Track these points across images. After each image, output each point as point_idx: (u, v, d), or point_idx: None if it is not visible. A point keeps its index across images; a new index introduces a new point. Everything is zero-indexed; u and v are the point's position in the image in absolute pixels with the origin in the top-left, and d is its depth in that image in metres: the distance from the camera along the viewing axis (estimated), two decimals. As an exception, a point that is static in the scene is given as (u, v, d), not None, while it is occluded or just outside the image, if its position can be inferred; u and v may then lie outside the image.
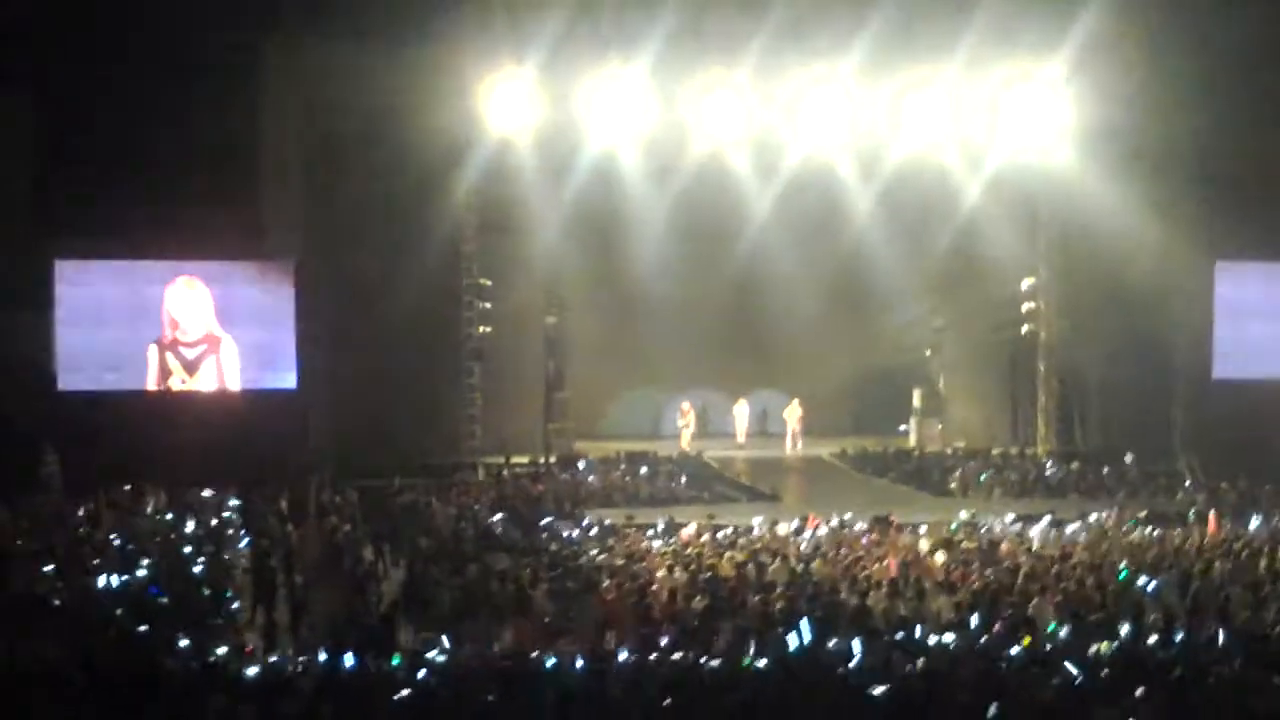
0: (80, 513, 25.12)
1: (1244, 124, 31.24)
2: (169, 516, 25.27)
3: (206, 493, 26.90)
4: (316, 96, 30.56)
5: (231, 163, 29.63)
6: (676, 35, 30.61)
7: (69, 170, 29.06)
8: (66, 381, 30.11)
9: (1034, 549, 23.38)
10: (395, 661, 15.97)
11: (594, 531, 25.67)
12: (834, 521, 25.36)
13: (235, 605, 19.98)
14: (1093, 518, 26.31)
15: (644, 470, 32.57)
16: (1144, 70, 30.97)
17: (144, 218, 28.75)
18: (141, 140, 28.84)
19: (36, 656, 15.53)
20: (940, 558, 22.20)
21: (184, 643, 16.50)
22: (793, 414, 38.09)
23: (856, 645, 15.76)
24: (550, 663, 15.58)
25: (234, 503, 26.60)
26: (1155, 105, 30.93)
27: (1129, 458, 33.14)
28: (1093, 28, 30.93)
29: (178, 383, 30.88)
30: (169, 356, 30.83)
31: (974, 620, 17.42)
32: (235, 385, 31.11)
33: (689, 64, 31.27)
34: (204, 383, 31.01)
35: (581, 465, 32.99)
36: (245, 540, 23.67)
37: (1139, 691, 13.86)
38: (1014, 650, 15.70)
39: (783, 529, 25.01)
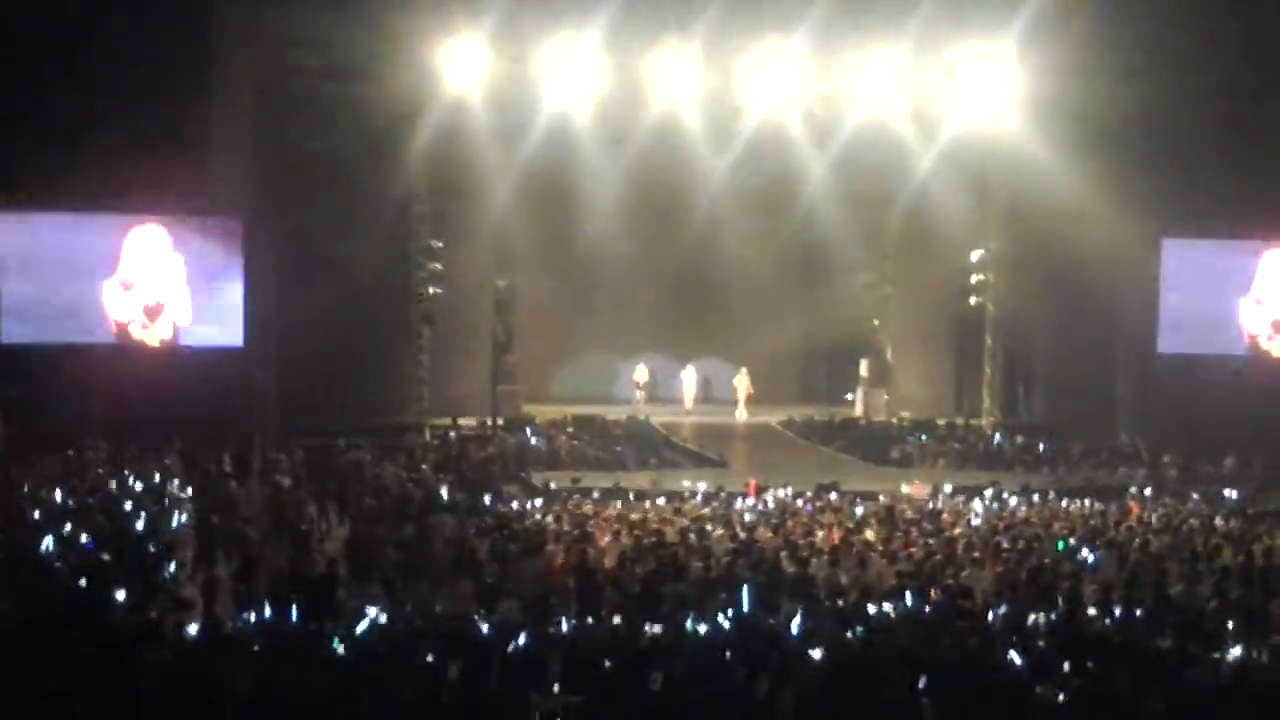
0: (20, 467, 24.91)
1: (1191, 100, 31.35)
2: (112, 472, 25.10)
3: (150, 448, 26.75)
4: (269, 55, 30.25)
5: (182, 120, 29.30)
6: (631, 1, 30.45)
7: (14, 123, 28.65)
8: (10, 334, 29.86)
9: (975, 520, 23.59)
10: (337, 621, 16.00)
11: (539, 494, 25.71)
12: (781, 491, 25.53)
13: (177, 562, 19.87)
14: (1035, 491, 26.57)
15: (591, 434, 32.60)
16: (1093, 45, 30.98)
17: (92, 172, 28.41)
18: (91, 96, 28.48)
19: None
20: (871, 528, 22.39)
21: (124, 599, 16.47)
22: (741, 382, 38.16)
23: (796, 613, 15.86)
24: (492, 625, 15.60)
25: (178, 459, 26.46)
26: (1104, 80, 31.04)
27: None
28: (1042, 4, 30.92)
29: (138, 329, 30.70)
30: (128, 302, 30.63)
31: (913, 589, 17.57)
32: (187, 337, 30.93)
33: (643, 30, 31.06)
34: (162, 331, 30.83)
35: (529, 429, 32.97)
36: (188, 497, 23.57)
37: (1072, 666, 13.99)
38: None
39: (727, 495, 25.14)
